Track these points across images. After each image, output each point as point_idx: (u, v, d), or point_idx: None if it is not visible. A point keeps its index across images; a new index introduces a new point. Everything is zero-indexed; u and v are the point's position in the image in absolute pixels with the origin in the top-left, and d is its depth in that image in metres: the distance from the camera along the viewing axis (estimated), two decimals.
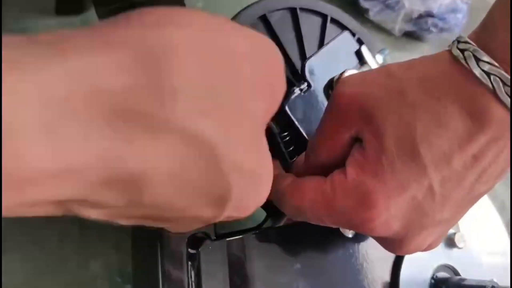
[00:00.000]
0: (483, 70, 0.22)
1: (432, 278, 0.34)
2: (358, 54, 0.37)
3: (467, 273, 0.35)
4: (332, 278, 0.31)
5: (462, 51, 0.23)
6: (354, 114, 0.25)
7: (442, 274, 0.35)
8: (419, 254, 0.33)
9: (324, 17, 0.43)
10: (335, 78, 0.35)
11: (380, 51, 0.39)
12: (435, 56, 0.25)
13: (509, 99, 0.21)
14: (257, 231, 0.30)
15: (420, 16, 0.60)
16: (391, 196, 0.24)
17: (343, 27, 0.44)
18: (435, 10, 0.59)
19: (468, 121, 0.23)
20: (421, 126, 0.23)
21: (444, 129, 0.23)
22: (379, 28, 0.62)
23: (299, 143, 0.33)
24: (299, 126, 0.33)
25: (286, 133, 0.33)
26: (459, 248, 0.36)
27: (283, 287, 0.29)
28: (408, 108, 0.24)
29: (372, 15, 0.59)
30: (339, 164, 0.27)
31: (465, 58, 0.22)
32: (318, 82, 0.35)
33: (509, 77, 0.21)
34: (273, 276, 0.29)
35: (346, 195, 0.25)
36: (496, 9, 0.23)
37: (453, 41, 0.24)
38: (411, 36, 0.64)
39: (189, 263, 0.27)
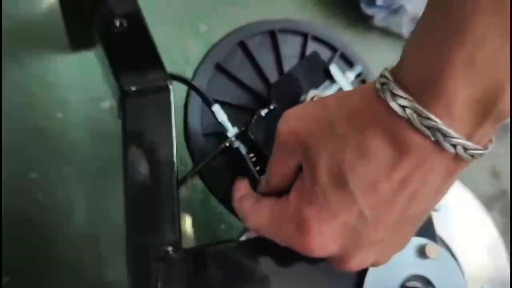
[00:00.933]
0: (399, 104, 0.23)
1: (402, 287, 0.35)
2: (328, 73, 0.39)
3: (442, 285, 0.35)
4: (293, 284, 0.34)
5: (382, 85, 0.24)
6: (294, 147, 0.28)
7: (412, 284, 0.35)
8: (387, 263, 0.35)
9: (304, 35, 0.44)
10: (300, 99, 0.37)
11: (352, 68, 0.40)
12: (364, 88, 0.26)
13: (425, 128, 0.22)
14: (220, 244, 0.33)
15: None
16: (324, 223, 0.26)
17: (325, 44, 0.45)
18: None
19: (391, 150, 0.24)
20: (348, 157, 0.25)
21: (368, 159, 0.24)
22: (387, 32, 0.62)
23: (264, 162, 0.35)
24: (262, 147, 0.35)
25: (252, 154, 0.36)
26: (431, 259, 0.36)
27: None
28: (337, 140, 0.25)
29: (376, 21, 0.60)
30: (290, 187, 0.30)
31: (383, 92, 0.24)
32: (285, 103, 0.37)
33: (422, 109, 0.22)
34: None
35: (288, 220, 0.28)
36: (408, 47, 0.24)
37: (378, 75, 0.25)
38: None
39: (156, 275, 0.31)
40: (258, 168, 0.36)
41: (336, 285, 0.34)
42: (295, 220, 0.28)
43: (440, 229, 0.41)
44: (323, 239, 0.27)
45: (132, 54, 0.35)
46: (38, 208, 0.48)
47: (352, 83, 0.39)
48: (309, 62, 0.39)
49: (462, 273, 0.41)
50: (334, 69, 0.39)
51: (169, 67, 0.34)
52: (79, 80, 0.51)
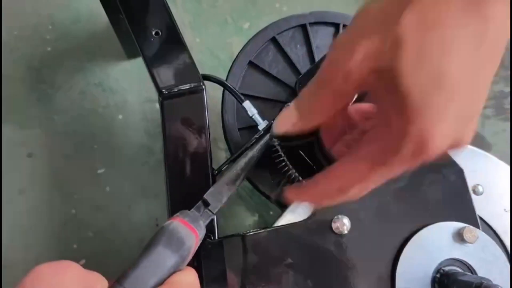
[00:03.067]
0: None
1: (438, 271, 0.35)
2: None
3: (484, 269, 0.35)
4: (326, 273, 0.35)
5: None
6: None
7: (449, 268, 0.35)
8: (422, 248, 0.35)
9: (336, 26, 0.45)
10: None
11: None
12: None
13: None
14: (251, 232, 0.36)
15: None
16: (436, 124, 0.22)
17: None
18: None
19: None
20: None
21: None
22: None
23: (295, 155, 0.37)
24: (290, 139, 0.37)
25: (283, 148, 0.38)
26: (470, 243, 0.35)
27: (275, 279, 0.34)
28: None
29: None
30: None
31: None
32: None
33: None
34: (266, 269, 0.34)
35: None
36: None
37: None
38: None
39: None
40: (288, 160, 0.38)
41: (369, 270, 0.35)
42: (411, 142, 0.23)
43: (484, 212, 0.40)
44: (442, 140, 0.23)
45: (167, 59, 0.38)
46: (107, 198, 0.55)
47: None
48: None
49: (508, 256, 0.39)
50: None
51: (215, 65, 0.37)
52: (135, 84, 0.57)
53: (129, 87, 0.57)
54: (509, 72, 0.59)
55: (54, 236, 0.53)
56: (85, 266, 0.54)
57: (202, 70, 0.38)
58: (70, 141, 0.55)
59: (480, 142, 0.57)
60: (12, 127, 0.55)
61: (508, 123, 0.58)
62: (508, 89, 0.59)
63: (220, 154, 0.49)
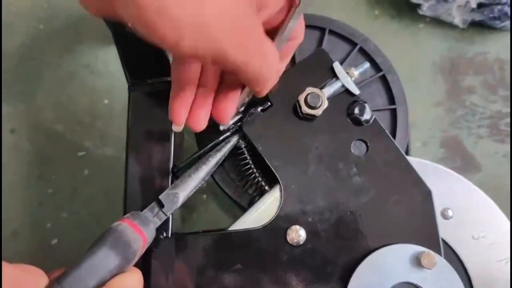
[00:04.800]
0: None
1: None
2: (332, 70, 0.38)
3: None
4: (274, 283, 0.34)
5: None
6: None
7: None
8: (376, 268, 0.34)
9: (322, 30, 0.44)
10: (298, 99, 0.37)
11: (359, 66, 0.39)
12: None
13: None
14: (204, 232, 0.35)
15: (482, 5, 0.53)
16: None
17: (343, 38, 0.44)
18: None
19: None
20: None
21: None
22: (439, 21, 0.57)
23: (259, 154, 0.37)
24: (254, 142, 0.37)
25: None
26: (427, 268, 0.34)
27: (222, 283, 0.34)
28: None
29: (425, 9, 0.56)
30: None
31: None
32: (283, 101, 0.38)
33: None
34: (215, 272, 0.34)
35: None
36: None
37: None
38: (481, 26, 0.57)
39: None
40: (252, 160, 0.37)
41: (320, 285, 0.34)
42: None
43: (450, 238, 0.39)
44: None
45: (140, 50, 0.38)
46: (85, 181, 0.55)
47: (356, 80, 0.38)
48: (313, 59, 0.39)
49: (470, 284, 0.38)
50: (337, 67, 0.38)
51: None
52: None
53: (117, 72, 0.56)
54: (508, 92, 0.57)
55: (29, 213, 0.54)
56: (57, 245, 0.55)
57: None
58: (54, 121, 0.56)
59: (468, 161, 0.55)
60: None
61: (502, 145, 0.56)
62: (506, 110, 0.57)
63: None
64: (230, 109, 0.32)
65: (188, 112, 0.32)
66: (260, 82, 0.29)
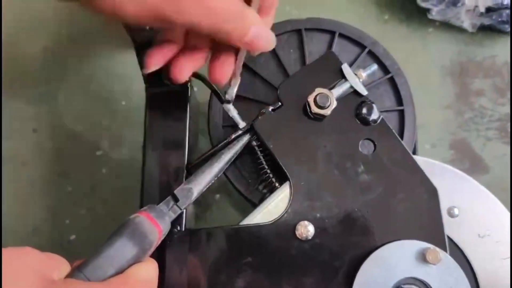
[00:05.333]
0: None
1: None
2: (341, 71, 0.39)
3: None
4: (283, 276, 0.36)
5: None
6: None
7: (408, 287, 0.35)
8: (382, 263, 0.35)
9: (332, 33, 0.45)
10: (308, 99, 0.38)
11: (367, 68, 0.40)
12: None
13: None
14: (215, 228, 0.37)
15: (491, 10, 0.54)
16: None
17: (353, 41, 0.45)
18: (508, 1, 0.53)
19: None
20: None
21: None
22: (448, 25, 0.58)
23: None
24: (266, 141, 0.38)
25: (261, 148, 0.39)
26: (432, 264, 0.35)
27: (233, 275, 0.35)
28: None
29: (434, 14, 0.57)
30: None
31: None
32: (292, 102, 0.39)
33: None
34: (227, 265, 0.36)
35: None
36: None
37: None
38: (490, 30, 0.58)
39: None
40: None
41: (327, 280, 0.36)
42: None
43: (456, 236, 0.40)
44: None
45: None
46: (103, 179, 0.57)
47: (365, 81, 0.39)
48: (323, 61, 0.40)
49: (475, 280, 0.39)
50: (346, 68, 0.39)
51: None
52: (140, 72, 0.58)
53: (134, 74, 0.58)
54: None
55: (49, 210, 0.56)
56: (75, 240, 0.57)
57: None
58: (73, 121, 0.58)
59: (477, 163, 0.56)
60: (23, 103, 0.58)
61: (510, 148, 0.56)
62: None
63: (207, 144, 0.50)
64: (226, 71, 0.35)
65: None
66: (233, 36, 0.31)
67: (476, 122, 0.57)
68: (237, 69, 0.36)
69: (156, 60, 0.35)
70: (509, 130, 0.57)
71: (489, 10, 0.54)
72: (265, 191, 0.41)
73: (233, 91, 0.38)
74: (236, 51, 0.35)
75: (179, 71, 0.35)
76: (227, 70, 0.35)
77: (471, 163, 0.56)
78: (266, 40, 0.33)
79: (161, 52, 0.35)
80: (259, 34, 0.32)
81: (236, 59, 0.35)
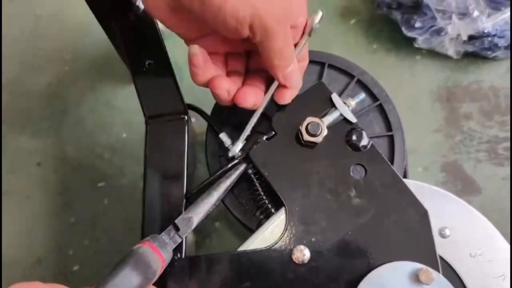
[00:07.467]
0: None
1: None
2: (331, 100, 0.42)
3: None
4: None
5: None
6: None
7: None
8: (376, 285, 0.36)
9: (322, 64, 0.48)
10: (300, 128, 0.40)
11: (356, 96, 0.42)
12: None
13: None
14: (214, 254, 0.38)
15: (473, 37, 0.57)
16: None
17: (342, 72, 0.48)
18: (488, 30, 0.55)
19: None
20: None
21: None
22: (435, 53, 0.61)
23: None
24: (261, 169, 0.40)
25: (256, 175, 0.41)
26: (426, 284, 0.36)
27: None
28: None
29: (420, 43, 0.59)
30: None
31: None
32: (285, 131, 0.41)
33: None
34: None
35: None
36: None
37: None
38: (474, 56, 0.61)
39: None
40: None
41: None
42: None
43: (448, 256, 0.41)
44: None
45: (156, 88, 0.42)
46: (105, 210, 0.59)
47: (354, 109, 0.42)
48: (314, 91, 0.42)
49: None
50: (335, 98, 0.41)
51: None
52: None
53: (135, 108, 0.61)
54: (504, 118, 0.59)
55: (53, 241, 0.57)
56: (78, 271, 0.58)
57: (195, 94, 0.41)
58: (76, 153, 0.60)
59: (469, 185, 0.58)
60: (27, 137, 0.61)
61: (501, 168, 0.58)
62: (503, 134, 0.59)
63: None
64: (254, 97, 0.39)
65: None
66: (282, 63, 0.36)
67: (466, 145, 0.59)
68: (264, 100, 0.40)
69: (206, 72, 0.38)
70: (498, 151, 0.58)
71: (471, 38, 0.57)
72: (262, 217, 0.42)
73: (236, 148, 0.40)
74: (268, 83, 0.40)
75: (244, 96, 0.39)
76: (258, 97, 0.39)
77: (463, 184, 0.58)
78: (298, 79, 0.39)
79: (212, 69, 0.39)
80: (294, 72, 0.38)
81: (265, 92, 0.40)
